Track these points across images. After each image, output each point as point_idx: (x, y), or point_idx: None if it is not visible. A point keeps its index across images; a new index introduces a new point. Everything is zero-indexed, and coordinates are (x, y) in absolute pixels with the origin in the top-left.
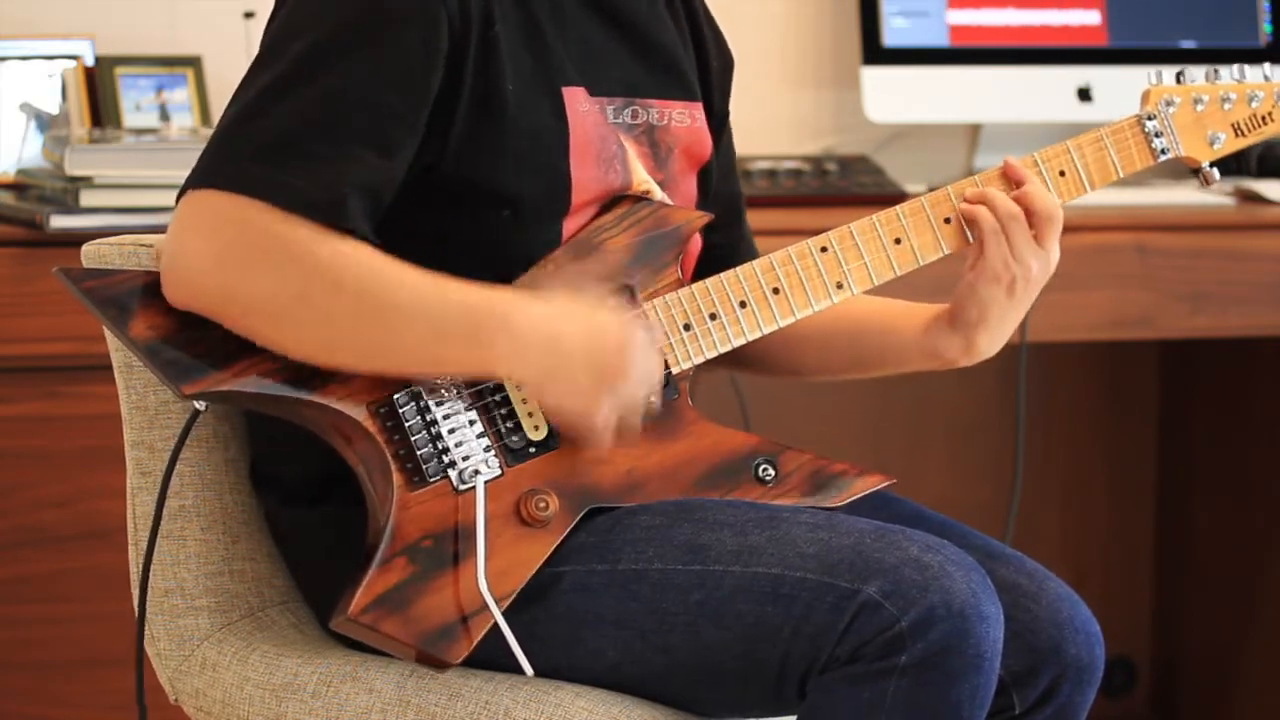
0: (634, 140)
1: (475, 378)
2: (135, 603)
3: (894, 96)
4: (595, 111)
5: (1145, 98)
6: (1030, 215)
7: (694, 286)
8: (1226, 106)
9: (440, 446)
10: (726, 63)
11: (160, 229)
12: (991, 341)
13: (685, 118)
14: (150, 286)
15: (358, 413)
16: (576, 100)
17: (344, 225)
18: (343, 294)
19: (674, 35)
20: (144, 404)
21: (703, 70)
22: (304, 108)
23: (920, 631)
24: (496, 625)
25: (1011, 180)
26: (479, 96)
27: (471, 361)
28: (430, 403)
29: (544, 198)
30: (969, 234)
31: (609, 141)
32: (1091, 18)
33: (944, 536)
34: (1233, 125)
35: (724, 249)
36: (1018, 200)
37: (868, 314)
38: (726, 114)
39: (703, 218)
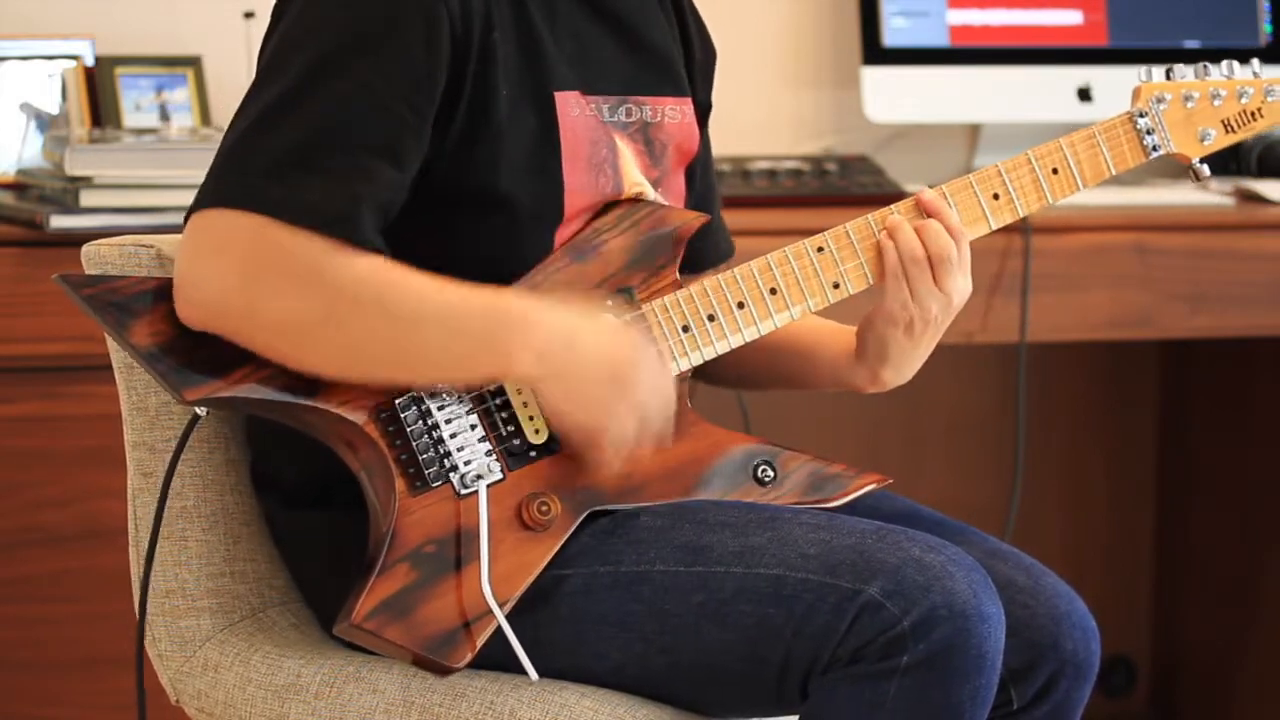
0: (628, 138)
1: (493, 381)
2: (136, 605)
3: (894, 96)
4: (588, 114)
5: (1136, 94)
6: (928, 256)
7: (692, 288)
8: (1216, 103)
9: (442, 451)
10: (709, 54)
11: (161, 229)
12: (897, 375)
13: (677, 113)
14: (150, 293)
15: (359, 418)
16: (568, 104)
17: (357, 240)
18: (363, 313)
19: (664, 30)
20: (144, 405)
21: (688, 63)
22: (311, 121)
23: (922, 632)
24: (500, 629)
25: (922, 213)
26: (476, 100)
27: (490, 365)
28: (432, 407)
29: (537, 202)
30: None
31: (600, 146)
32: (1092, 18)
33: (940, 534)
34: (1223, 121)
35: (697, 243)
36: (918, 232)
37: (791, 335)
38: (710, 106)
39: (700, 218)
